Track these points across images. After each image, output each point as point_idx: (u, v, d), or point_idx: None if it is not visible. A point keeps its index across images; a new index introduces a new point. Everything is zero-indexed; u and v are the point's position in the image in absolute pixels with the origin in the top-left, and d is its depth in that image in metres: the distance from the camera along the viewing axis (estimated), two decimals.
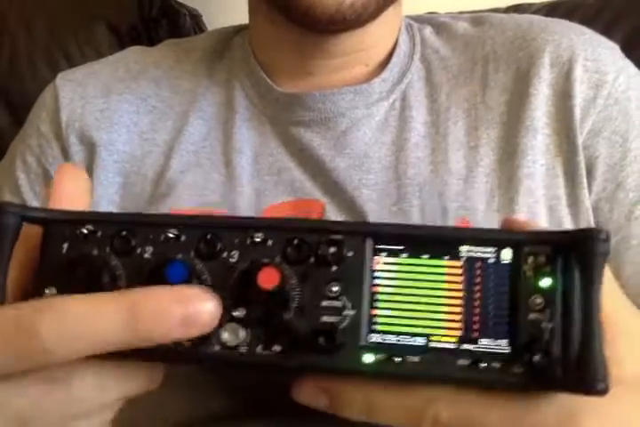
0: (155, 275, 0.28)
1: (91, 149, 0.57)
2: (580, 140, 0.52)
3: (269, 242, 0.28)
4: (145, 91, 0.59)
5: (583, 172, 0.52)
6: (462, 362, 0.27)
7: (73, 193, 0.32)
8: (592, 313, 0.25)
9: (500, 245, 0.28)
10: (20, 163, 0.59)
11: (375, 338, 0.28)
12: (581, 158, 0.52)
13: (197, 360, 0.29)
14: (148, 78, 0.60)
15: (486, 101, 0.55)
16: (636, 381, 0.25)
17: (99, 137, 0.57)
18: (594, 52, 0.55)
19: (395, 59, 0.56)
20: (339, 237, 0.28)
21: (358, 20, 0.50)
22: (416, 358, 0.27)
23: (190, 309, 0.26)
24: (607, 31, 0.72)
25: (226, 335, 0.28)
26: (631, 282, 0.52)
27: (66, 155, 0.58)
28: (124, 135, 0.57)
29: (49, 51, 0.96)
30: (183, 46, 0.63)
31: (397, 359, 0.27)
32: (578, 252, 0.26)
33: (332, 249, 0.28)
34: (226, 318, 0.28)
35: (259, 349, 0.28)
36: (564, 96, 0.53)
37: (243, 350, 0.28)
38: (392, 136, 0.54)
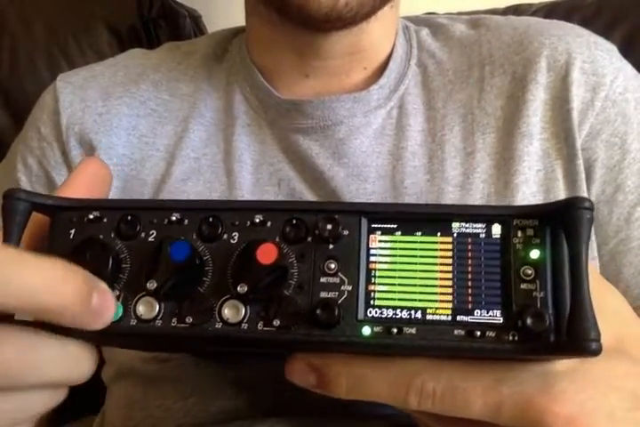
0: (158, 254, 0.29)
1: (90, 152, 0.57)
2: (579, 143, 0.52)
3: (268, 223, 0.30)
4: (144, 94, 0.59)
5: (583, 175, 0.52)
6: (458, 332, 0.28)
7: (93, 181, 0.33)
8: (581, 277, 0.26)
9: (489, 221, 0.29)
10: (22, 165, 0.59)
11: (373, 312, 0.29)
12: (581, 162, 0.52)
13: (200, 339, 0.30)
14: (147, 81, 0.60)
15: (483, 106, 0.54)
16: (608, 350, 0.26)
17: (98, 140, 0.57)
18: (591, 54, 0.54)
19: (391, 64, 0.56)
20: (335, 216, 0.29)
21: (354, 19, 0.50)
22: (413, 330, 0.28)
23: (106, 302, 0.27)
24: (606, 31, 0.73)
25: (227, 312, 0.29)
26: (631, 284, 0.52)
27: (66, 158, 0.58)
28: (123, 138, 0.57)
29: (49, 51, 0.95)
30: (183, 49, 0.63)
31: (395, 331, 0.28)
32: (564, 221, 0.27)
33: (329, 228, 0.29)
34: (227, 296, 0.29)
35: (260, 325, 0.28)
36: (561, 100, 0.53)
37: (244, 326, 0.29)
38: (389, 145, 0.54)
